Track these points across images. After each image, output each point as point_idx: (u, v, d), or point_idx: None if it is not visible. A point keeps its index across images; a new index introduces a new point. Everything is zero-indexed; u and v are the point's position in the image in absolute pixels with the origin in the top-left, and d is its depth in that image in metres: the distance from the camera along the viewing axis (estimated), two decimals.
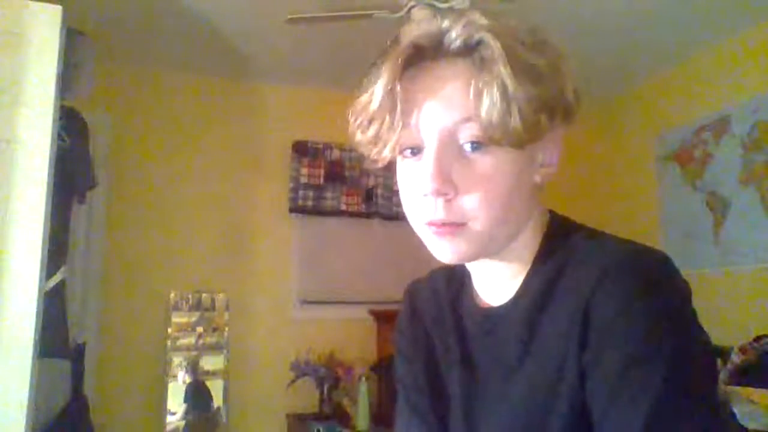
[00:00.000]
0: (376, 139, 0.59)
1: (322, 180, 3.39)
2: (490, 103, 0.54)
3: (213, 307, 3.18)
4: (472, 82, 0.55)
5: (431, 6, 2.21)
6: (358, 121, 0.61)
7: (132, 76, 3.22)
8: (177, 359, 3.06)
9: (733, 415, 1.99)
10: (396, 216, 3.34)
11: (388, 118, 0.57)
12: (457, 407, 0.66)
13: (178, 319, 3.11)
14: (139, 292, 3.09)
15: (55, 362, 1.97)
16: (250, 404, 3.15)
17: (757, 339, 2.32)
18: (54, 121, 1.79)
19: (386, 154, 0.60)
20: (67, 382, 2.10)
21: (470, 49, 0.57)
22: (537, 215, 0.64)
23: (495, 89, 0.54)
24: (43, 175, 1.75)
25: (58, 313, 1.96)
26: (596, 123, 3.83)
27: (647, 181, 3.44)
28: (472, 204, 0.57)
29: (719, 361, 2.38)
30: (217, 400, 3.09)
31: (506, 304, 0.64)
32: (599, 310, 0.53)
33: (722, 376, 2.23)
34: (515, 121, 0.54)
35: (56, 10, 1.82)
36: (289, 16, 2.30)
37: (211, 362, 3.12)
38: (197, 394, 3.05)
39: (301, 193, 3.36)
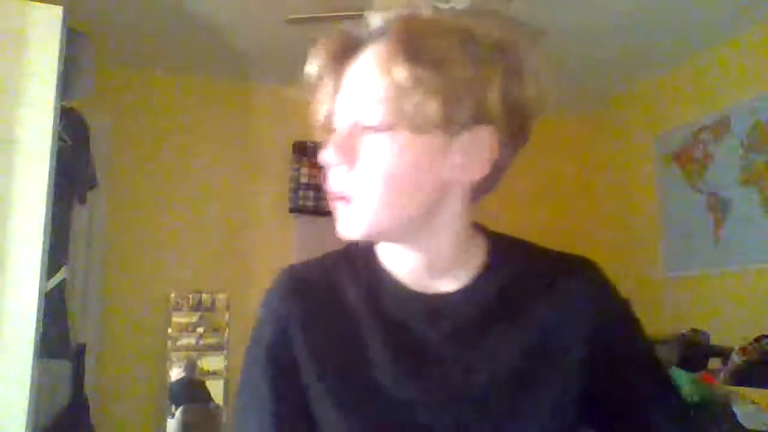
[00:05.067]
0: (323, 126, 0.66)
1: (322, 180, 3.40)
2: (385, 87, 0.56)
3: (213, 308, 3.18)
4: (377, 68, 0.58)
5: (431, 6, 2.21)
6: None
7: (132, 77, 3.22)
8: (178, 359, 3.07)
9: (734, 415, 1.99)
10: None
11: (327, 104, 0.64)
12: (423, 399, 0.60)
13: (178, 319, 3.11)
14: (139, 293, 3.09)
15: (55, 363, 1.97)
16: None
17: (758, 339, 2.32)
18: (54, 121, 1.79)
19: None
20: (67, 383, 2.10)
21: (378, 38, 0.60)
22: (452, 211, 0.62)
23: (395, 73, 0.55)
24: (44, 176, 1.75)
25: (58, 314, 1.96)
26: (596, 123, 3.83)
27: (647, 182, 3.44)
28: (357, 180, 0.59)
29: (719, 361, 2.38)
30: (218, 400, 3.09)
31: (463, 289, 0.64)
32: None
33: (722, 376, 2.23)
34: (407, 106, 0.55)
35: (56, 10, 1.83)
36: (289, 17, 2.31)
37: (211, 362, 3.12)
38: (189, 392, 3.05)
39: (301, 193, 3.36)
